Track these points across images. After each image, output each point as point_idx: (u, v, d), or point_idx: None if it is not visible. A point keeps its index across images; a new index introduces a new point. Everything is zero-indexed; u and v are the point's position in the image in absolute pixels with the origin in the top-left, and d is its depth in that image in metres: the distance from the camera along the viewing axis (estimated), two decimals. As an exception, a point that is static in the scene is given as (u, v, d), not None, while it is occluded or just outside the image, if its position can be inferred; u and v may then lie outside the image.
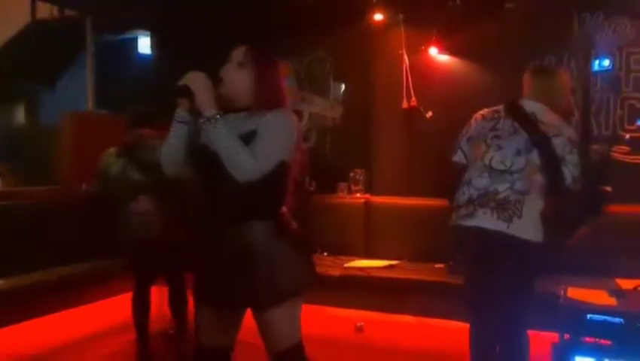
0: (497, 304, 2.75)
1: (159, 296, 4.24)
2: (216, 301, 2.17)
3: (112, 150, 3.82)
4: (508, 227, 2.65)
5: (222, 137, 2.01)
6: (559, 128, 2.74)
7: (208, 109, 2.03)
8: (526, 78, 2.93)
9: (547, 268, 2.87)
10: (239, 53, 2.17)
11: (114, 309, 4.42)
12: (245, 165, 1.99)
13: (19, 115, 7.33)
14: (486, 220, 2.70)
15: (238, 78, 2.13)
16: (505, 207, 2.68)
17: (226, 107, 2.13)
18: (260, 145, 2.03)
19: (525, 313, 2.77)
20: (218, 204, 2.14)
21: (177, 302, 3.97)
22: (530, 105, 2.81)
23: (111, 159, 3.78)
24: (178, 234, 3.60)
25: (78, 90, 6.26)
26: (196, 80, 2.07)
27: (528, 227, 2.67)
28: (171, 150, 2.16)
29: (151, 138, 3.63)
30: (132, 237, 3.68)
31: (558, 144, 2.68)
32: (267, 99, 2.12)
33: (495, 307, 2.75)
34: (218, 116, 2.02)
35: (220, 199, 2.13)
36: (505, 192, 2.70)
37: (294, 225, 2.20)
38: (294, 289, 2.14)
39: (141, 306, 3.79)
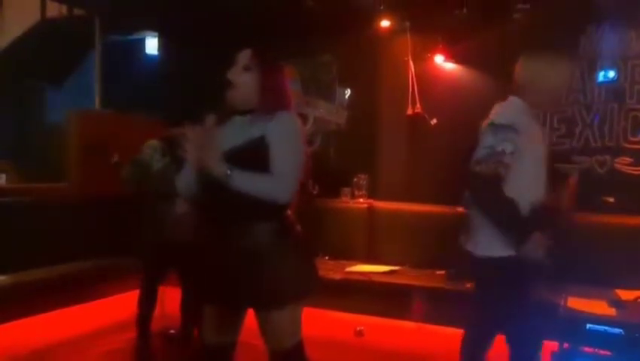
0: (476, 315, 2.72)
1: (160, 297, 4.24)
2: (219, 301, 2.19)
3: (155, 143, 3.70)
4: (465, 243, 2.63)
5: (244, 186, 2.01)
6: (490, 116, 2.52)
7: (217, 167, 2.01)
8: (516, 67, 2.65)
9: (529, 280, 2.54)
10: (244, 56, 2.18)
11: (114, 307, 4.43)
12: (277, 194, 2.05)
13: (26, 113, 7.35)
14: (461, 236, 2.71)
15: (243, 81, 2.14)
16: (465, 224, 2.66)
17: (231, 109, 2.14)
18: (281, 167, 2.05)
19: (516, 325, 2.53)
20: (223, 204, 2.14)
21: (189, 305, 3.95)
22: (504, 103, 2.60)
23: (155, 155, 3.67)
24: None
25: (85, 90, 6.29)
26: (194, 139, 2.04)
27: (480, 244, 2.53)
28: (183, 178, 2.23)
29: None
30: (164, 236, 3.64)
31: (481, 131, 2.49)
32: (272, 102, 2.14)
33: (476, 318, 2.73)
34: (229, 171, 1.99)
35: (225, 200, 2.13)
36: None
37: (299, 227, 2.21)
38: (298, 293, 2.15)
39: (149, 303, 3.79)
